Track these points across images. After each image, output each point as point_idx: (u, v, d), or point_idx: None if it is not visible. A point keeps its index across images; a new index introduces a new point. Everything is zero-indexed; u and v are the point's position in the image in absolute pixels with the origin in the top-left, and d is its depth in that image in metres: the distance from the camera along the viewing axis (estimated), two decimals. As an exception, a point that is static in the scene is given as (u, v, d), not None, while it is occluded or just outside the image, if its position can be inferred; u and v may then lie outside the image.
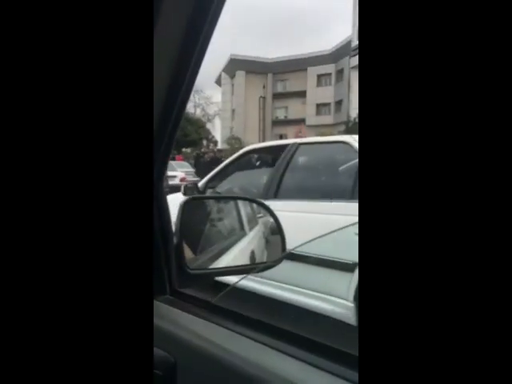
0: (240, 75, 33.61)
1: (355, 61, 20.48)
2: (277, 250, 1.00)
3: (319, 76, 32.13)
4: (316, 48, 31.67)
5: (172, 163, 12.25)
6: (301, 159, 3.05)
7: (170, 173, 10.53)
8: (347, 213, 1.85)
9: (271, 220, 1.04)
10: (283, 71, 33.13)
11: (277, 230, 0.99)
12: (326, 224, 2.12)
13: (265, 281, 2.52)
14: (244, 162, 3.74)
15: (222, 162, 3.89)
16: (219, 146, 27.84)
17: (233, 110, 34.82)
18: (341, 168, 2.67)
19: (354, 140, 2.58)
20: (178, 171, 12.22)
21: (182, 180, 11.50)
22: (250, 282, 2.53)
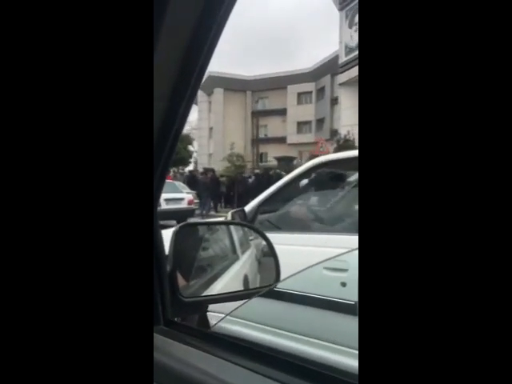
0: (218, 92, 33.44)
1: (343, 77, 20.60)
2: (270, 272, 0.99)
3: (299, 94, 32.42)
4: (291, 67, 32.05)
5: (175, 184, 10.84)
6: None
7: (176, 195, 9.54)
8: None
9: (263, 242, 1.03)
10: (262, 89, 33.29)
11: (269, 253, 0.98)
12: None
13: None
14: (312, 181, 2.65)
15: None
16: (191, 166, 27.12)
17: (210, 128, 34.42)
18: None
19: None
20: (184, 193, 10.76)
21: (190, 203, 10.25)
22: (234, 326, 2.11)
